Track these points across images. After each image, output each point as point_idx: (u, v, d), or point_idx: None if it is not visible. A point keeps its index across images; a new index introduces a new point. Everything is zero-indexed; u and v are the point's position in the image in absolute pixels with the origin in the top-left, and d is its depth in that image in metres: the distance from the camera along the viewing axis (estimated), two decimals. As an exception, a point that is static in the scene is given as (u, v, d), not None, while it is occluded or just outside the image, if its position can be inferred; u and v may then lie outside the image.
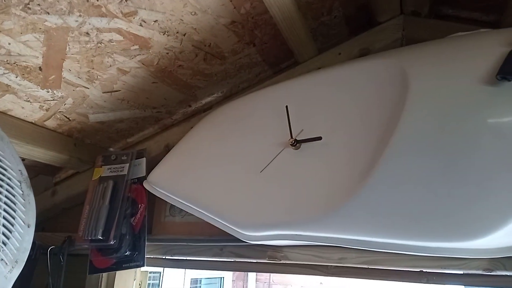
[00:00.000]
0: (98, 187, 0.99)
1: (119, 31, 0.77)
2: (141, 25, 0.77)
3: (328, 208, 0.69)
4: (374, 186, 0.65)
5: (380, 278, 0.84)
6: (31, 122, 1.00)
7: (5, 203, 0.66)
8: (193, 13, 0.77)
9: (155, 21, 0.77)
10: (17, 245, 0.66)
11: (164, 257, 1.02)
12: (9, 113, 0.94)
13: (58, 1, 0.67)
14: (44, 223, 1.25)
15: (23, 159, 0.84)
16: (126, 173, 1.01)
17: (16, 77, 0.83)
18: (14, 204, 0.68)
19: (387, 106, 0.70)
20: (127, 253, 0.94)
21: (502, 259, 0.69)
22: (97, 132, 1.11)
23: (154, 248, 1.02)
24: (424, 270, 0.77)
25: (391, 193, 0.63)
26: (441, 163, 0.61)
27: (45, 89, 0.89)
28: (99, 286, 1.06)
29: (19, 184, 0.71)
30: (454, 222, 0.59)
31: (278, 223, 0.74)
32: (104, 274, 1.07)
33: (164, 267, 1.10)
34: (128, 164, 1.02)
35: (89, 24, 0.74)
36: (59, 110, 0.97)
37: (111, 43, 0.80)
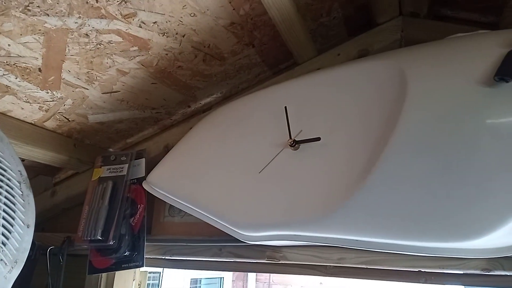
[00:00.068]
0: (98, 187, 0.99)
1: (118, 32, 0.77)
2: (140, 26, 0.77)
3: (327, 209, 0.69)
4: (372, 187, 0.65)
5: (379, 278, 0.84)
6: (31, 123, 1.00)
7: (5, 204, 0.66)
8: (192, 15, 0.77)
9: (154, 22, 0.77)
10: (17, 245, 0.67)
11: (163, 257, 1.02)
12: (8, 114, 0.95)
13: (57, 3, 0.68)
14: (44, 224, 1.25)
15: (22, 160, 0.84)
16: (125, 173, 1.01)
17: (16, 78, 0.83)
18: (14, 204, 0.68)
19: (386, 107, 0.71)
20: (126, 253, 0.94)
21: (500, 259, 0.69)
22: (97, 133, 1.11)
23: (153, 249, 1.02)
24: (423, 270, 0.77)
25: (390, 193, 0.64)
26: (440, 164, 0.61)
27: (44, 90, 0.89)
28: (98, 286, 1.06)
29: (19, 184, 0.71)
30: (453, 223, 0.59)
31: (277, 223, 0.74)
32: (103, 274, 1.07)
33: (163, 267, 1.09)
34: (127, 165, 1.03)
35: (89, 25, 0.74)
36: (58, 111, 0.98)
37: (111, 44, 0.80)
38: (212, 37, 0.85)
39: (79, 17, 0.72)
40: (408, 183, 0.63)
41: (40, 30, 0.73)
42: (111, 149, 1.22)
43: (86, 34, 0.76)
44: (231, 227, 0.80)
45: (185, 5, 0.75)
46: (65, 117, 1.01)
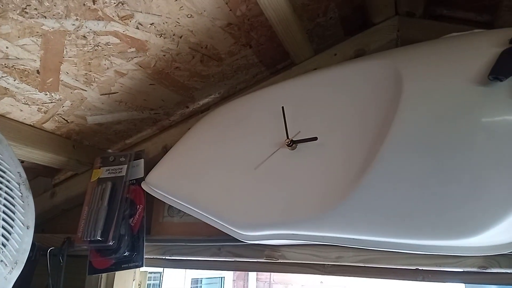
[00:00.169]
0: (97, 188, 1.00)
1: (115, 34, 0.78)
2: (137, 28, 0.77)
3: (324, 208, 0.69)
4: (369, 186, 0.66)
5: (377, 276, 0.84)
6: (30, 125, 1.00)
7: (4, 205, 0.67)
8: (189, 16, 0.78)
9: (152, 24, 0.77)
10: (17, 246, 0.67)
11: (162, 257, 1.03)
12: (7, 116, 0.95)
13: (55, 5, 0.68)
14: (44, 225, 1.25)
15: (22, 161, 0.85)
16: (124, 174, 1.01)
17: (14, 80, 0.84)
18: (13, 206, 0.69)
19: (382, 107, 0.71)
20: (126, 253, 0.95)
21: (497, 257, 0.70)
22: (95, 134, 1.12)
23: (152, 249, 1.02)
24: (420, 268, 0.78)
25: (386, 192, 0.64)
26: (435, 162, 0.62)
27: (43, 92, 0.89)
28: (98, 287, 1.07)
29: (18, 186, 0.72)
30: (449, 221, 0.59)
31: (275, 222, 0.75)
32: (103, 274, 1.07)
33: (162, 267, 1.10)
34: (126, 166, 1.03)
35: (86, 27, 0.75)
36: (57, 113, 0.98)
37: (108, 46, 0.81)
38: (209, 38, 0.85)
39: (77, 19, 0.72)
40: (404, 182, 0.63)
41: (37, 32, 0.73)
42: (110, 150, 1.22)
43: (84, 36, 0.77)
44: (229, 227, 0.80)
45: (181, 7, 0.75)
46: (64, 119, 1.01)
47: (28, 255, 0.71)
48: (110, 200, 0.97)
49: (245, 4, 0.79)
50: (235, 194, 0.83)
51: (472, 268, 0.72)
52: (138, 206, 0.99)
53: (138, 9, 0.73)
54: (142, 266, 0.94)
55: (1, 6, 0.66)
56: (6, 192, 0.68)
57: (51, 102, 0.94)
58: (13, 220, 0.67)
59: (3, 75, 0.82)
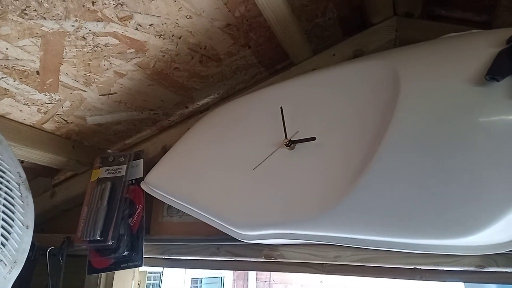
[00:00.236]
0: (96, 188, 1.00)
1: (115, 35, 0.78)
2: (136, 29, 0.78)
3: (322, 207, 0.70)
4: (367, 186, 0.66)
5: (375, 276, 0.85)
6: (30, 125, 1.01)
7: (4, 205, 0.67)
8: (188, 17, 0.78)
9: (151, 24, 0.78)
10: (16, 246, 0.68)
11: (162, 257, 1.03)
12: (7, 116, 0.95)
13: (54, 7, 0.69)
14: (43, 225, 1.26)
15: (22, 162, 0.85)
16: (123, 174, 1.02)
17: (14, 81, 0.84)
18: (13, 206, 0.69)
19: (380, 107, 0.71)
20: (125, 253, 0.95)
21: (494, 256, 0.70)
22: (95, 134, 1.12)
23: (152, 248, 1.03)
24: (418, 267, 0.78)
25: (384, 192, 0.64)
26: (432, 162, 0.62)
27: (42, 93, 0.90)
28: (98, 286, 1.07)
29: (18, 186, 0.72)
30: (446, 220, 0.60)
31: (273, 222, 0.75)
32: (102, 274, 1.08)
33: (161, 267, 1.10)
34: (125, 166, 1.04)
35: (85, 28, 0.75)
36: (57, 113, 0.98)
37: (108, 47, 0.81)
38: (208, 38, 0.86)
39: (76, 20, 0.73)
40: (402, 181, 0.64)
41: (37, 33, 0.74)
42: (109, 150, 1.22)
43: (83, 37, 0.77)
44: (228, 226, 0.81)
45: (180, 8, 0.75)
46: (64, 119, 1.02)
47: (28, 255, 0.71)
48: (109, 200, 0.97)
49: (244, 5, 0.79)
50: (234, 194, 0.83)
51: (469, 267, 0.73)
52: (137, 206, 1.00)
53: (137, 10, 0.74)
54: (141, 265, 0.95)
55: (1, 8, 0.66)
56: (5, 192, 0.69)
57: (51, 103, 0.94)
58: (12, 220, 0.67)
59: (3, 76, 0.82)
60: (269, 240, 0.80)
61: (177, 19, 0.78)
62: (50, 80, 0.87)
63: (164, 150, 1.09)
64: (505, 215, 0.56)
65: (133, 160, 1.06)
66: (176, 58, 0.89)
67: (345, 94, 0.79)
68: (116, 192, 0.99)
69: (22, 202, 0.71)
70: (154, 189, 0.95)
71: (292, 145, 0.78)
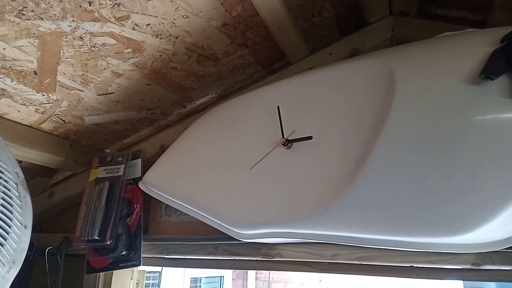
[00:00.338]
0: (94, 188, 1.00)
1: (112, 35, 0.78)
2: (133, 28, 0.78)
3: (319, 206, 0.70)
4: (362, 184, 0.66)
5: (372, 274, 0.85)
6: (27, 125, 1.01)
7: (2, 205, 0.67)
8: (185, 16, 0.78)
9: (148, 24, 0.78)
10: (14, 246, 0.68)
11: (160, 256, 1.03)
12: (5, 116, 0.96)
13: (51, 7, 0.69)
14: (42, 224, 1.26)
15: (20, 162, 0.85)
16: (121, 174, 1.02)
17: (12, 81, 0.84)
18: (11, 206, 0.69)
19: (376, 106, 0.72)
20: (124, 252, 0.95)
21: (490, 254, 0.70)
22: (93, 134, 1.12)
23: (150, 248, 1.03)
24: (415, 265, 0.79)
25: (379, 190, 0.65)
26: (428, 160, 0.62)
27: (40, 93, 0.90)
28: (96, 286, 1.07)
29: (16, 186, 0.72)
30: (442, 218, 0.60)
31: (270, 221, 0.76)
32: (101, 273, 1.08)
33: (160, 266, 1.11)
34: (123, 165, 1.04)
35: (83, 28, 0.75)
36: (54, 113, 0.99)
37: (105, 47, 0.81)
38: (205, 38, 0.86)
39: (73, 21, 0.73)
40: (397, 180, 0.64)
41: (34, 33, 0.74)
42: (107, 150, 1.23)
43: (80, 37, 0.77)
44: (226, 226, 0.81)
45: (177, 7, 0.76)
46: (61, 119, 1.02)
47: (26, 255, 0.71)
48: (107, 200, 0.97)
49: (241, 5, 0.80)
50: (232, 193, 0.83)
51: (465, 265, 0.73)
52: (135, 206, 1.00)
53: (134, 10, 0.74)
54: (139, 265, 0.95)
55: (-2, 8, 0.67)
56: (4, 192, 0.69)
57: (49, 103, 0.94)
58: (11, 220, 0.68)
59: (0, 76, 0.82)
60: (266, 239, 0.80)
61: (174, 19, 0.78)
62: (48, 80, 0.87)
63: (162, 149, 1.09)
64: (501, 213, 0.57)
65: (131, 160, 1.07)
66: (173, 58, 0.89)
67: (342, 93, 0.79)
68: (114, 191, 0.99)
69: (20, 202, 0.72)
70: (152, 189, 0.96)
71: (289, 144, 0.79)
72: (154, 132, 1.18)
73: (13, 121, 0.98)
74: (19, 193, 0.72)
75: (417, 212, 0.62)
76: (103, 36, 0.78)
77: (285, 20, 0.83)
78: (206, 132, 0.98)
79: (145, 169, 1.02)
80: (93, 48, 0.81)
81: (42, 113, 0.97)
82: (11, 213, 0.68)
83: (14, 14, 0.69)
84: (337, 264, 0.87)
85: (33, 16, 0.70)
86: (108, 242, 0.92)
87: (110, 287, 1.07)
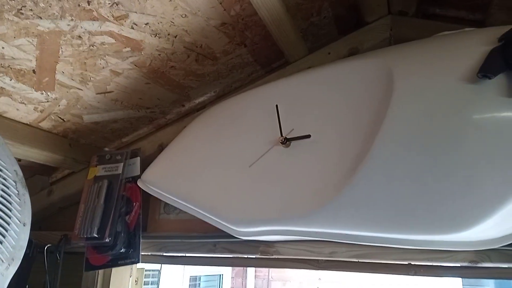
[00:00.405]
0: (93, 186, 1.01)
1: (110, 34, 0.79)
2: (132, 28, 0.78)
3: (317, 204, 0.71)
4: (360, 182, 0.67)
5: (370, 271, 0.86)
6: (26, 124, 1.01)
7: (1, 203, 0.68)
8: (183, 16, 0.78)
9: (146, 23, 0.78)
10: (13, 243, 0.68)
11: (159, 254, 1.04)
12: (4, 115, 0.96)
13: (50, 6, 0.69)
14: (41, 222, 1.26)
15: (19, 160, 0.85)
16: (120, 172, 1.02)
17: (11, 80, 0.85)
18: (10, 203, 0.70)
19: (375, 105, 0.72)
20: (123, 250, 0.96)
21: (488, 251, 0.71)
22: (92, 133, 1.13)
23: (149, 245, 1.03)
24: (412, 263, 0.79)
25: (377, 188, 0.65)
26: (425, 159, 0.63)
27: (39, 91, 0.90)
28: (95, 283, 1.08)
29: (14, 184, 0.73)
30: (440, 216, 0.61)
31: (268, 218, 0.76)
32: (100, 271, 1.08)
33: (159, 263, 1.11)
34: (122, 164, 1.04)
35: (81, 27, 0.75)
36: (53, 112, 0.99)
37: (103, 46, 0.81)
38: (204, 37, 0.86)
39: (72, 20, 0.73)
40: (395, 178, 0.64)
41: (33, 32, 0.74)
42: (106, 149, 1.23)
43: (79, 36, 0.78)
44: (225, 223, 0.81)
45: (176, 7, 0.76)
46: (60, 118, 1.02)
47: (25, 252, 0.72)
48: (106, 198, 0.98)
49: (239, 4, 0.80)
50: (230, 191, 0.84)
51: (463, 262, 0.73)
52: (134, 204, 1.00)
53: (133, 9, 0.74)
54: (138, 262, 0.96)
55: (-3, 7, 0.67)
56: (2, 190, 0.69)
57: (47, 101, 0.95)
58: (9, 217, 0.68)
59: (-1, 75, 0.83)
60: (265, 236, 0.81)
61: (173, 18, 0.79)
62: (47, 79, 0.87)
63: (161, 148, 1.09)
64: (498, 211, 0.57)
65: (130, 158, 1.07)
66: (172, 57, 0.90)
67: (340, 92, 0.80)
68: (113, 190, 0.99)
69: (19, 199, 0.72)
70: (151, 187, 0.96)
71: (288, 142, 0.79)
72: (153, 131, 1.18)
73: (12, 119, 0.98)
74: (17, 191, 0.72)
75: (414, 210, 0.62)
76: (101, 35, 0.78)
77: (284, 19, 0.83)
78: (205, 131, 0.98)
79: (144, 168, 1.02)
80: (91, 47, 0.81)
81: (41, 111, 0.98)
82: (10, 211, 0.69)
83: (13, 13, 0.69)
84: (335, 262, 0.88)
85: (31, 15, 0.70)
86: (107, 240, 0.92)
87: (109, 285, 1.08)
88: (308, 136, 0.76)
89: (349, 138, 0.73)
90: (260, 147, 0.84)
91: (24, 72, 0.83)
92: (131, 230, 0.98)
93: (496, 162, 0.59)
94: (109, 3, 0.71)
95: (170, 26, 0.80)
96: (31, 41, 0.76)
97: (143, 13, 0.75)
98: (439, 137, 0.63)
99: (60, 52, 0.80)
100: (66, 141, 1.11)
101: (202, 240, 0.97)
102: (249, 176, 0.83)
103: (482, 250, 0.70)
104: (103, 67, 0.88)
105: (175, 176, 0.94)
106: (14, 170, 0.75)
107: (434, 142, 0.63)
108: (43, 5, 0.68)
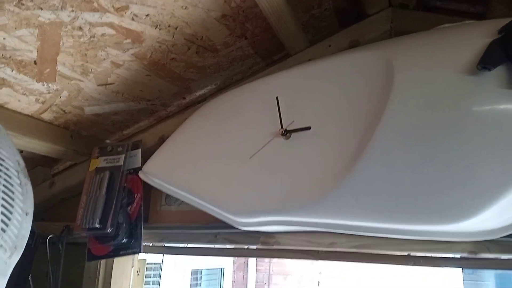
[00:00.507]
0: (95, 177, 1.01)
1: (111, 25, 0.79)
2: (133, 19, 0.78)
3: (317, 194, 0.71)
4: (360, 173, 0.67)
5: (369, 262, 0.86)
6: (28, 115, 1.01)
7: (3, 192, 0.68)
8: (184, 7, 0.78)
9: (147, 15, 0.78)
10: (16, 232, 0.69)
11: (160, 245, 1.05)
12: (6, 106, 0.96)
13: (50, -3, 0.69)
14: (43, 213, 1.27)
15: (21, 151, 0.86)
16: (122, 164, 1.03)
17: (12, 71, 0.85)
18: (12, 193, 0.70)
19: (374, 97, 0.72)
20: (124, 240, 0.96)
21: (486, 242, 0.71)
22: (93, 124, 1.13)
23: (150, 236, 1.04)
24: (412, 254, 0.80)
25: (377, 179, 0.66)
26: (425, 149, 0.63)
27: (40, 83, 0.91)
28: (97, 273, 1.09)
29: (17, 174, 0.73)
30: (439, 206, 0.61)
31: (269, 209, 0.77)
32: (102, 261, 1.09)
33: (160, 254, 1.12)
34: (123, 155, 1.05)
35: (82, 19, 0.75)
36: (54, 103, 0.99)
37: (104, 37, 0.82)
38: (205, 29, 0.86)
39: (72, 11, 0.73)
40: (395, 168, 0.65)
41: (34, 23, 0.74)
42: (107, 141, 1.23)
43: (80, 27, 0.78)
44: (225, 214, 0.82)
45: (176, -2, 0.76)
46: (62, 109, 1.02)
47: (28, 243, 0.73)
48: (108, 189, 0.98)
49: (240, -5, 0.80)
50: (231, 182, 0.84)
51: (462, 253, 0.74)
52: (135, 195, 1.01)
53: (133, 0, 0.74)
54: (140, 252, 0.97)
55: (-2, -2, 0.67)
56: (5, 179, 0.70)
57: (49, 93, 0.95)
58: (12, 207, 0.69)
59: (0, 66, 0.83)
60: (265, 227, 0.81)
61: (173, 10, 0.79)
62: (48, 70, 0.87)
63: (162, 140, 1.10)
64: (497, 202, 0.58)
65: (131, 150, 1.07)
66: (172, 49, 0.90)
67: (341, 84, 0.80)
68: (114, 181, 1.00)
69: (21, 189, 0.72)
70: (152, 178, 0.97)
71: (288, 134, 0.79)
72: (154, 123, 1.18)
73: (14, 110, 0.98)
74: (20, 181, 0.73)
75: (414, 200, 0.63)
76: (102, 26, 0.79)
77: (284, 11, 0.83)
78: (205, 123, 0.99)
79: (145, 160, 1.03)
80: (92, 38, 0.81)
81: (43, 103, 0.98)
82: (13, 200, 0.69)
83: (14, 3, 0.69)
84: (335, 252, 0.88)
85: (32, 6, 0.70)
86: (109, 230, 0.93)
87: (111, 275, 1.09)
88: (309, 128, 0.77)
89: (350, 130, 0.73)
90: (261, 139, 0.84)
91: (25, 63, 0.84)
92: (132, 221, 0.99)
93: (495, 152, 0.59)
94: (109, -6, 0.72)
95: (170, 17, 0.80)
96: (32, 32, 0.76)
97: (144, 5, 0.75)
98: (439, 128, 0.63)
99: (61, 43, 0.80)
100: (68, 133, 1.12)
101: (203, 230, 0.97)
102: (249, 168, 0.83)
103: (481, 241, 0.70)
104: (103, 59, 0.88)
105: (176, 168, 0.94)
106: (16, 160, 0.75)
107: (434, 133, 0.63)
108: (44, -5, 0.69)
